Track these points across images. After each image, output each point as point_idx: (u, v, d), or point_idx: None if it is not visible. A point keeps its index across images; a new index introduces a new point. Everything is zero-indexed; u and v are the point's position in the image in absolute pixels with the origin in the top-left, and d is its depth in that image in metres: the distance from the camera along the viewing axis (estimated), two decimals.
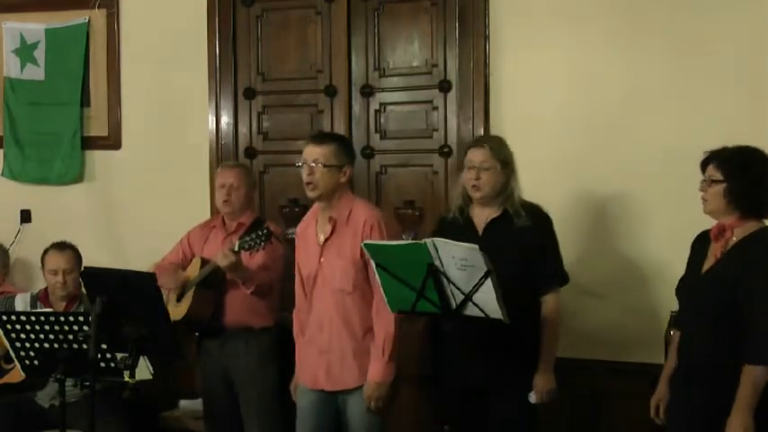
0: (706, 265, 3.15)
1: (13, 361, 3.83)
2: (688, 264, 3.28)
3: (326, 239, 3.58)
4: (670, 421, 3.23)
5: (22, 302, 4.49)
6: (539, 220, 3.51)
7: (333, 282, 3.54)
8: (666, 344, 3.59)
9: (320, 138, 3.66)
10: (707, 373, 3.07)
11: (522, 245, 3.43)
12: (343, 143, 3.68)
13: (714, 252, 3.13)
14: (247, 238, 3.79)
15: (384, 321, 3.45)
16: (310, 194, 3.58)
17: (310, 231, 3.67)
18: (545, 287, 3.49)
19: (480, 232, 3.50)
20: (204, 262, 4.05)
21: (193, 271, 4.09)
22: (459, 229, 3.49)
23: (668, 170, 4.01)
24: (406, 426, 4.28)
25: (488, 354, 3.39)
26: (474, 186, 3.49)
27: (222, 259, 3.84)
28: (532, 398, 3.44)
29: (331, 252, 3.56)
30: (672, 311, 3.53)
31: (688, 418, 3.11)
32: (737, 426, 2.94)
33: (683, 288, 3.25)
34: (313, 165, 3.53)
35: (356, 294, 3.51)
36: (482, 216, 3.53)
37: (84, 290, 4.11)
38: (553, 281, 3.51)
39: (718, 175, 3.08)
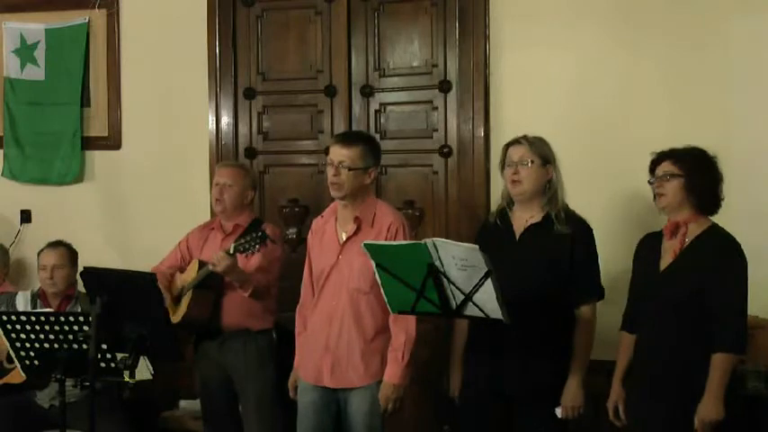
0: (663, 263, 3.24)
1: (14, 361, 3.84)
2: (639, 265, 3.38)
3: (349, 238, 3.57)
4: (637, 420, 3.28)
5: (23, 299, 4.49)
6: (579, 229, 3.43)
7: (350, 280, 3.54)
8: None
9: (347, 139, 3.62)
10: (676, 371, 3.15)
11: (559, 253, 3.38)
12: (369, 144, 3.64)
13: (672, 249, 3.23)
14: (242, 241, 3.78)
15: (405, 324, 3.45)
16: (335, 195, 3.57)
17: (329, 227, 3.65)
18: (581, 299, 3.42)
19: (517, 237, 3.46)
20: (202, 264, 4.03)
21: (191, 273, 4.08)
22: (498, 233, 3.48)
23: None
24: (406, 426, 4.28)
25: (515, 361, 3.36)
26: (514, 182, 3.44)
27: (217, 263, 3.83)
28: (559, 412, 3.36)
29: (352, 250, 3.54)
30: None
31: (662, 418, 3.17)
32: (710, 411, 3.05)
33: (640, 289, 3.34)
34: (339, 166, 3.52)
35: (371, 295, 3.49)
36: (521, 220, 3.48)
37: (81, 289, 4.11)
38: (591, 294, 3.44)
39: (677, 170, 3.21)
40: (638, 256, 3.41)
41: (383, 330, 3.54)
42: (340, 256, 3.58)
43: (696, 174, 3.20)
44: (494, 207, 3.80)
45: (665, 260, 3.24)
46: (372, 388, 3.53)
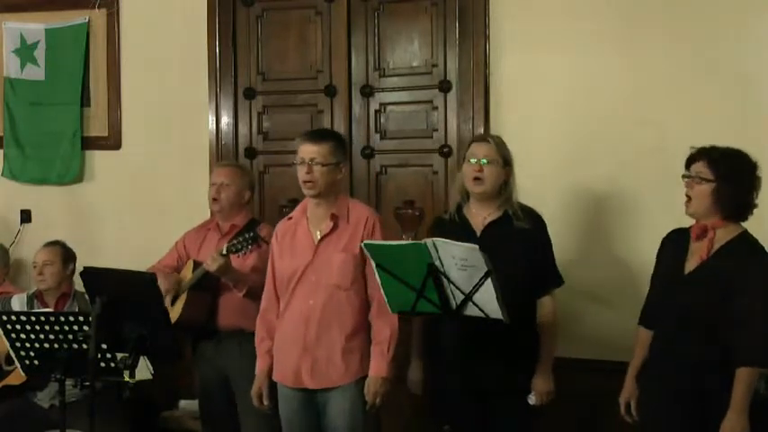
0: (689, 266, 3.16)
1: (14, 362, 3.84)
2: (662, 261, 3.30)
3: (326, 235, 3.56)
4: (651, 420, 3.24)
5: (18, 302, 4.50)
6: (536, 222, 3.49)
7: (328, 277, 3.52)
8: None
9: (316, 136, 3.62)
10: (694, 373, 3.08)
11: (522, 247, 3.42)
12: (338, 140, 3.66)
13: (698, 252, 3.14)
14: (234, 241, 3.80)
15: (390, 318, 3.43)
16: (309, 193, 3.56)
17: (301, 228, 3.63)
18: (542, 289, 3.49)
19: (478, 233, 3.48)
20: (197, 265, 4.03)
21: (187, 274, 4.08)
22: (456, 229, 3.47)
23: (668, 170, 4.00)
24: (406, 426, 4.28)
25: (488, 355, 3.37)
26: (476, 179, 3.45)
27: (210, 263, 3.83)
28: (532, 399, 3.43)
29: (329, 248, 3.54)
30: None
31: (679, 419, 3.13)
32: (734, 426, 2.98)
33: (663, 286, 3.26)
34: (311, 163, 3.52)
35: (351, 291, 3.50)
36: (479, 216, 3.51)
37: (79, 288, 4.11)
38: (551, 283, 3.51)
39: (708, 174, 3.09)
40: (663, 251, 3.32)
41: (362, 328, 3.53)
42: (316, 255, 3.55)
43: (728, 181, 3.06)
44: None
45: (691, 263, 3.15)
46: (352, 386, 3.50)
